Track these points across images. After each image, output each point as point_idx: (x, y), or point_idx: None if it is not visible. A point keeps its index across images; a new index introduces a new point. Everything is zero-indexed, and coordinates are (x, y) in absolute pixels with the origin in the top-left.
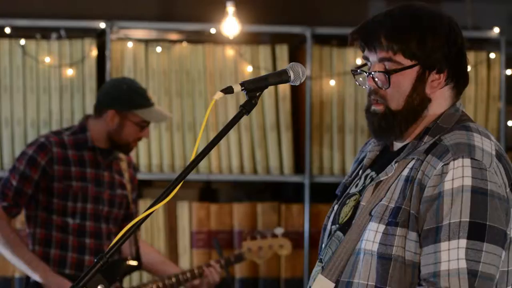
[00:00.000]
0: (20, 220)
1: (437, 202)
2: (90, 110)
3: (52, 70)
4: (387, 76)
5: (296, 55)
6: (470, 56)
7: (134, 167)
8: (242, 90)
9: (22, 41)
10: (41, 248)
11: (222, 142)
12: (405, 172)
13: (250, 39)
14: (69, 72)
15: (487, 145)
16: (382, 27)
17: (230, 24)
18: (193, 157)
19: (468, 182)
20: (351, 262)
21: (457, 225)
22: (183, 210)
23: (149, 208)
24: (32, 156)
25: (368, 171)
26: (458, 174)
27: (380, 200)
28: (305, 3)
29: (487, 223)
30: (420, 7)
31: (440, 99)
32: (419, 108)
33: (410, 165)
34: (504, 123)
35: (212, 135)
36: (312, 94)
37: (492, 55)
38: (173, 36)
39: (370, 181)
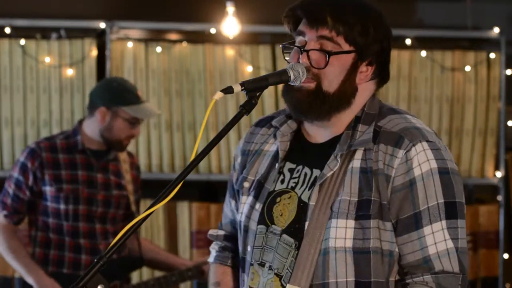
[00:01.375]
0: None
1: (410, 189)
2: None
3: (52, 70)
4: (327, 56)
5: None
6: (470, 56)
7: (137, 169)
8: (242, 90)
9: (22, 41)
10: (41, 250)
11: (222, 142)
12: (356, 164)
13: (250, 39)
14: (69, 72)
15: (423, 124)
16: (329, 5)
17: (230, 24)
18: (193, 157)
19: (434, 164)
20: (319, 264)
21: (436, 208)
22: (183, 210)
23: (149, 208)
24: (23, 163)
25: (291, 165)
26: (423, 159)
27: (337, 196)
28: None
29: (456, 200)
30: (367, 1)
31: (365, 91)
32: (349, 97)
33: (358, 156)
34: (504, 123)
35: (212, 135)
36: None
37: (492, 55)
38: (173, 36)
39: (311, 179)
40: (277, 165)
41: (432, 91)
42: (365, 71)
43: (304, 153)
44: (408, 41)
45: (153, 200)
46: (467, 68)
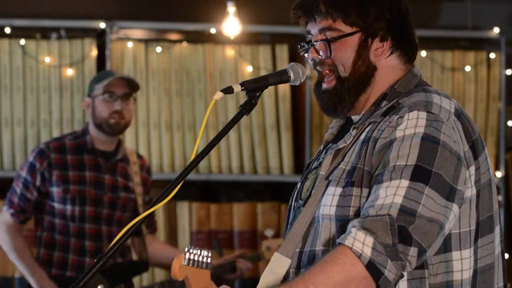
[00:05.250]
0: None
1: (387, 150)
2: None
3: (52, 70)
4: (327, 44)
5: (296, 55)
6: (470, 56)
7: (147, 171)
8: (242, 90)
9: (22, 41)
10: (45, 251)
11: (222, 142)
12: (362, 136)
13: (250, 39)
14: (69, 72)
15: (446, 103)
16: None
17: (231, 24)
18: (193, 157)
19: (420, 130)
20: (313, 231)
21: (401, 167)
22: (183, 210)
23: (149, 208)
24: (32, 163)
25: (333, 145)
26: (412, 124)
27: (338, 165)
28: None
29: (433, 169)
30: None
31: (387, 67)
32: (366, 76)
33: (367, 129)
34: (504, 123)
35: (212, 135)
36: (312, 94)
37: (492, 55)
38: (173, 36)
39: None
40: (321, 146)
41: None
42: (381, 47)
43: (343, 133)
44: None
45: (153, 200)
46: (467, 68)
